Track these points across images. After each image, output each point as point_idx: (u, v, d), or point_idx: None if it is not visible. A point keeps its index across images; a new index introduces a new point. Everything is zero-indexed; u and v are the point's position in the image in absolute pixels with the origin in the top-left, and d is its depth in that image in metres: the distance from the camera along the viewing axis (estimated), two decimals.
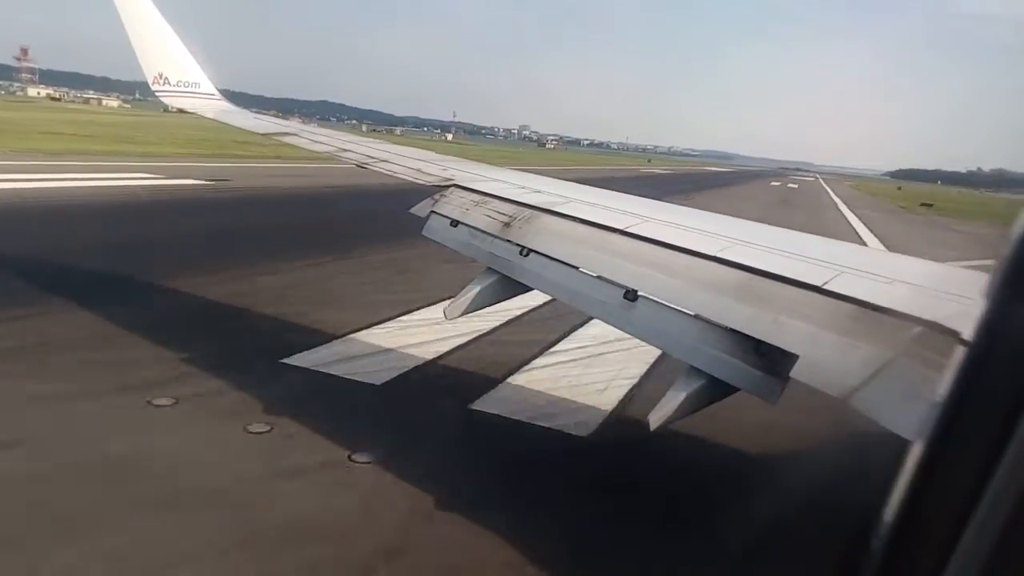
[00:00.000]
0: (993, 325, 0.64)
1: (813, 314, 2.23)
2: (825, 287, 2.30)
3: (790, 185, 68.68)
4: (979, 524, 0.61)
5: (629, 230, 3.30)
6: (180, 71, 6.50)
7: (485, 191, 4.41)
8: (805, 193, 55.09)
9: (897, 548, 0.70)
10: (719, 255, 2.78)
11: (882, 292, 2.27)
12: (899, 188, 76.12)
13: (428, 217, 4.33)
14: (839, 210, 37.60)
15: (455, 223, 4.12)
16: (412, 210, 4.57)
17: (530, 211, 3.82)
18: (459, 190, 4.54)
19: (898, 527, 0.70)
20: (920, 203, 40.52)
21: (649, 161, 66.37)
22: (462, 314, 3.74)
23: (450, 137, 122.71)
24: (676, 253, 2.95)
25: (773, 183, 69.86)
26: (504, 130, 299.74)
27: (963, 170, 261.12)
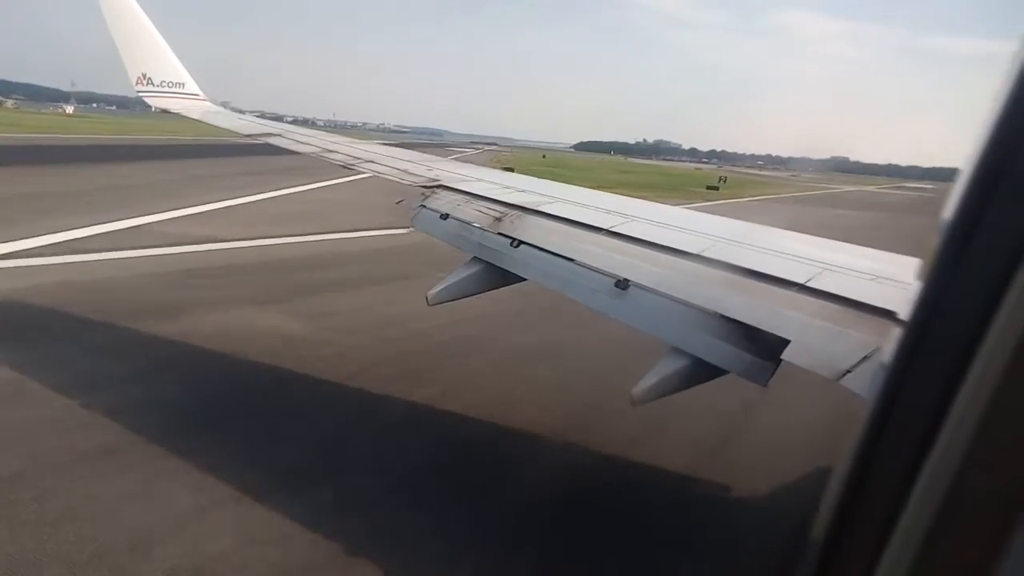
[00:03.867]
0: (925, 307, 0.65)
1: (799, 308, 2.34)
2: (808, 284, 2.45)
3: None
4: (909, 519, 0.62)
5: (616, 229, 3.40)
6: (164, 72, 6.46)
7: (472, 192, 4.49)
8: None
9: (831, 540, 0.71)
10: (704, 254, 2.88)
11: (862, 288, 2.37)
12: (544, 156, 75.97)
13: (418, 211, 4.42)
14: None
15: (445, 216, 4.25)
16: (399, 203, 4.78)
17: (519, 211, 3.92)
18: (446, 191, 4.61)
19: (832, 521, 0.70)
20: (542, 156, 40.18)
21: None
22: (446, 300, 3.81)
23: (70, 110, 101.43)
24: (664, 251, 3.04)
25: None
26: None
27: (632, 141, 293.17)
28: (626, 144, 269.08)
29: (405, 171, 5.36)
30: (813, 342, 2.22)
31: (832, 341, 2.17)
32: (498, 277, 3.76)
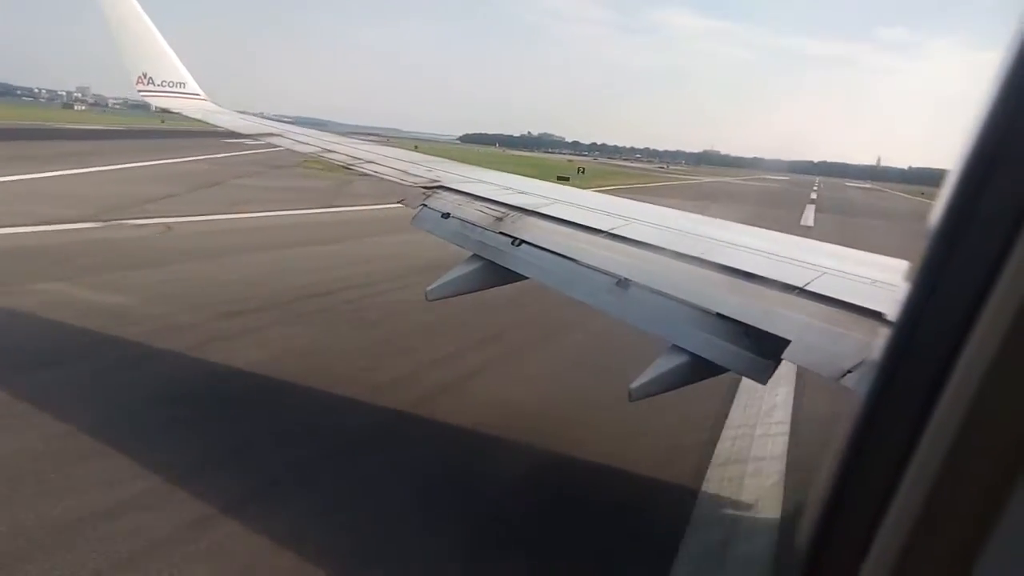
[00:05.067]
0: (912, 308, 0.66)
1: (798, 310, 2.36)
2: (808, 288, 2.50)
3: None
4: (894, 518, 0.62)
5: (616, 232, 3.43)
6: (165, 71, 6.47)
7: (473, 193, 4.53)
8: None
9: (820, 534, 0.71)
10: (704, 257, 2.92)
11: (867, 292, 2.41)
12: (416, 147, 74.91)
13: (419, 210, 4.45)
14: None
15: (446, 215, 4.29)
16: (400, 202, 4.83)
17: (520, 212, 3.95)
18: (447, 192, 4.64)
19: (822, 516, 0.71)
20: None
21: (163, 122, 62.93)
22: (446, 296, 3.84)
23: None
24: (664, 253, 3.08)
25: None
26: (48, 91, 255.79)
27: (517, 134, 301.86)
28: (511, 137, 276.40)
29: (405, 172, 5.38)
30: (813, 342, 2.24)
31: (832, 342, 2.19)
32: (498, 275, 3.79)
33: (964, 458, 0.59)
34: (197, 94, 6.72)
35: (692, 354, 2.64)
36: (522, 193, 4.55)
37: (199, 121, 6.64)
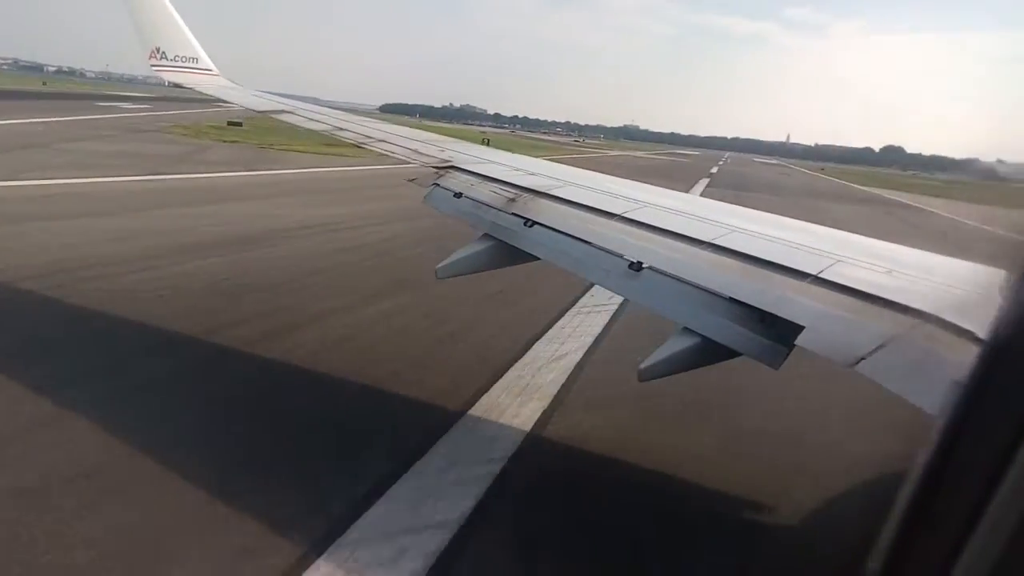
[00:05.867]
0: (1013, 326, 0.61)
1: (813, 297, 2.38)
2: (821, 275, 2.49)
3: None
4: (985, 533, 0.58)
5: (629, 215, 3.43)
6: (178, 46, 6.46)
7: (485, 174, 4.53)
8: None
9: (902, 549, 0.67)
10: (716, 242, 2.93)
11: (882, 282, 2.41)
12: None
13: (431, 189, 4.46)
14: None
15: (458, 195, 4.41)
16: (411, 181, 4.85)
17: (532, 194, 3.96)
18: (458, 172, 4.65)
19: (904, 529, 0.67)
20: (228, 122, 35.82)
21: (44, 84, 62.37)
22: (456, 275, 3.85)
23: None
24: (677, 238, 3.08)
25: None
26: None
27: (439, 105, 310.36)
28: (432, 107, 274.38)
29: (417, 151, 5.41)
30: (828, 329, 2.25)
31: (847, 329, 2.20)
32: (509, 255, 3.77)
33: None
34: (210, 69, 6.71)
35: (703, 337, 2.66)
36: (533, 175, 4.57)
37: (206, 95, 6.61)
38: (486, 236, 3.87)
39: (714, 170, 53.22)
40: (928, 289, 2.40)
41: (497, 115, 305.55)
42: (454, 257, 3.86)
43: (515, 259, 3.76)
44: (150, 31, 6.29)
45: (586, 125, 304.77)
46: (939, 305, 2.06)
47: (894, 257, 2.86)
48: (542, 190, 4.04)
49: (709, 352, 2.65)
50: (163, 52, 6.35)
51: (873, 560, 0.69)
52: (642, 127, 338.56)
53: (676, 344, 2.70)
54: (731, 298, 2.61)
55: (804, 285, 2.49)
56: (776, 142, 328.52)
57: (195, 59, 6.55)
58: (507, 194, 4.07)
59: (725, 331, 2.57)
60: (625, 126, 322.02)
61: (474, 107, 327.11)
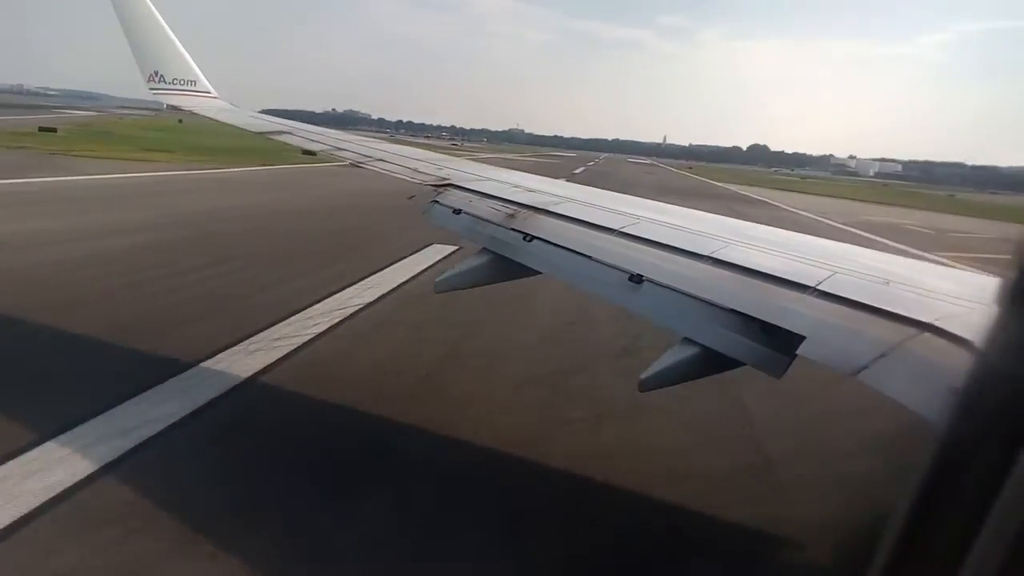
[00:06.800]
0: (1007, 335, 0.60)
1: (813, 308, 2.35)
2: (821, 287, 2.54)
3: None
4: (984, 543, 0.58)
5: (627, 230, 3.43)
6: (176, 69, 6.48)
7: (483, 191, 4.55)
8: None
9: (899, 565, 0.67)
10: (715, 255, 2.92)
11: (881, 291, 2.39)
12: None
13: (430, 206, 4.48)
14: None
15: (457, 211, 4.35)
16: (410, 199, 4.81)
17: (531, 211, 3.96)
18: (457, 189, 4.65)
19: (902, 538, 0.67)
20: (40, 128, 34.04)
21: None
22: (455, 289, 3.83)
23: None
24: (676, 252, 3.09)
25: None
26: None
27: (320, 110, 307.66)
28: (313, 113, 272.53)
29: (415, 170, 5.43)
30: (829, 338, 2.25)
31: (848, 339, 2.17)
32: (510, 269, 3.80)
33: None
34: (208, 92, 6.73)
35: (704, 347, 2.62)
36: (532, 191, 4.57)
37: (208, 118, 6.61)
38: (484, 251, 3.87)
39: (579, 170, 52.97)
40: (925, 298, 2.43)
41: (381, 120, 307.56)
42: (453, 271, 3.87)
43: (514, 273, 3.77)
44: (148, 55, 6.31)
45: (471, 129, 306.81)
46: (937, 314, 2.09)
47: (892, 268, 2.85)
48: (541, 207, 4.06)
49: (711, 362, 2.67)
50: (161, 75, 6.37)
51: (872, 572, 0.70)
52: (527, 131, 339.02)
53: (677, 354, 2.71)
54: (732, 309, 2.59)
55: (804, 296, 2.49)
56: (653, 143, 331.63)
57: (193, 81, 6.57)
58: (506, 210, 4.10)
59: (727, 341, 2.55)
60: (510, 130, 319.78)
61: (358, 112, 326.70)
